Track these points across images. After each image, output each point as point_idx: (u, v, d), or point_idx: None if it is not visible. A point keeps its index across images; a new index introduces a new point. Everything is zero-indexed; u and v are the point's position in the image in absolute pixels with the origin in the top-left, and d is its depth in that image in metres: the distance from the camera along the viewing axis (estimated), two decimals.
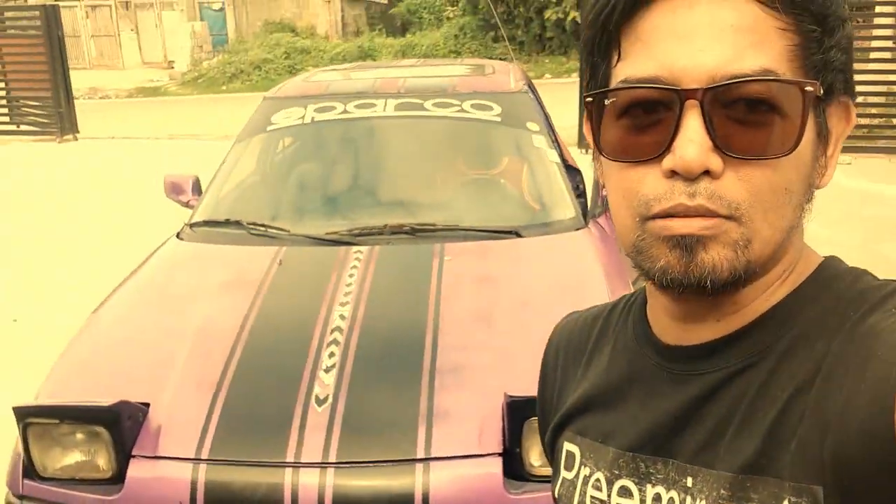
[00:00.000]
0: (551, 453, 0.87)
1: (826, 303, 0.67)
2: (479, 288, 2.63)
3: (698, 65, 0.63)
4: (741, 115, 0.63)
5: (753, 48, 0.62)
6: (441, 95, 3.49)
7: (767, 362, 0.67)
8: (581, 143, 8.59)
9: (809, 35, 0.64)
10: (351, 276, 2.65)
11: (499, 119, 3.41)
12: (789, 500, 0.61)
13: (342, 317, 2.43)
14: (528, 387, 2.14)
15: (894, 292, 0.65)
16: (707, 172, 0.63)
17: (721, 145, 0.63)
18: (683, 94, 0.63)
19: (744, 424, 0.66)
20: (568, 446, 0.82)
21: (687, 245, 0.64)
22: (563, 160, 3.40)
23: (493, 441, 2.06)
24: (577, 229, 3.03)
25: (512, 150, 3.59)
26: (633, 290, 2.90)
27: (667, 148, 0.64)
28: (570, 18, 18.04)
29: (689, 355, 0.72)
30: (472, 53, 19.00)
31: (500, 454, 2.05)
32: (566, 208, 3.15)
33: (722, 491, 0.65)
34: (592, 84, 0.71)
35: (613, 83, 0.68)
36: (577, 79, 9.50)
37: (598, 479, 0.77)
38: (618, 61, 0.68)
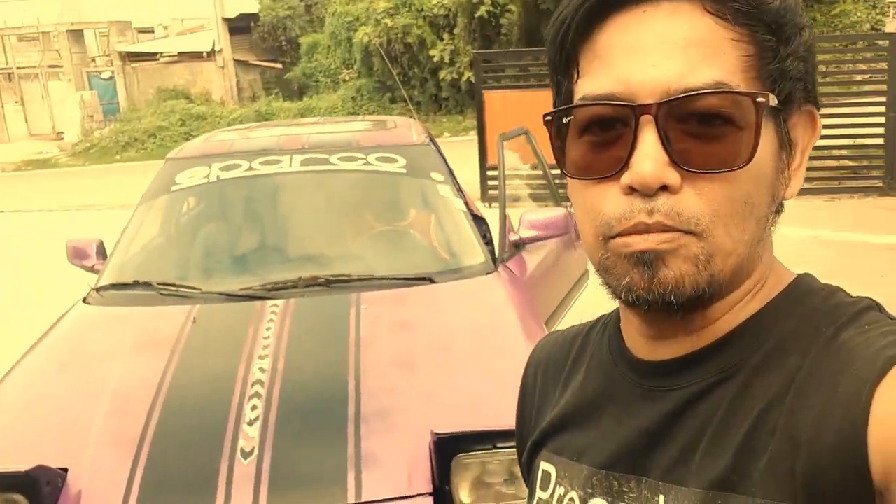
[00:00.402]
0: (527, 473, 0.86)
1: (799, 318, 0.67)
2: (398, 333, 2.67)
3: (652, 80, 0.63)
4: (696, 128, 0.63)
5: (706, 61, 0.63)
6: (346, 150, 3.55)
7: (740, 376, 0.67)
8: (483, 196, 8.79)
9: (764, 45, 0.64)
10: (268, 329, 2.64)
11: (404, 170, 3.50)
12: None
13: (262, 370, 2.42)
14: (454, 424, 2.22)
15: (868, 308, 0.66)
16: (665, 188, 0.63)
17: (677, 160, 0.63)
18: (638, 110, 0.63)
19: (715, 440, 0.66)
20: (544, 466, 0.81)
21: (647, 261, 0.64)
22: (469, 209, 3.51)
23: (423, 481, 2.08)
24: (488, 273, 3.11)
25: (419, 199, 3.67)
26: (546, 330, 3.02)
27: (625, 164, 0.64)
28: (464, 79, 18.54)
29: (661, 371, 0.72)
30: (371, 114, 19.26)
31: (430, 493, 2.06)
32: (476, 254, 3.24)
33: None
34: (558, 102, 0.72)
35: (575, 100, 0.68)
36: (475, 136, 9.76)
37: (571, 499, 0.76)
38: (577, 79, 0.68)
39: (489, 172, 9.14)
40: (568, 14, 0.68)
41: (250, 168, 3.47)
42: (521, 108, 8.43)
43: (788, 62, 0.65)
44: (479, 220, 3.53)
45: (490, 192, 8.84)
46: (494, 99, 9.37)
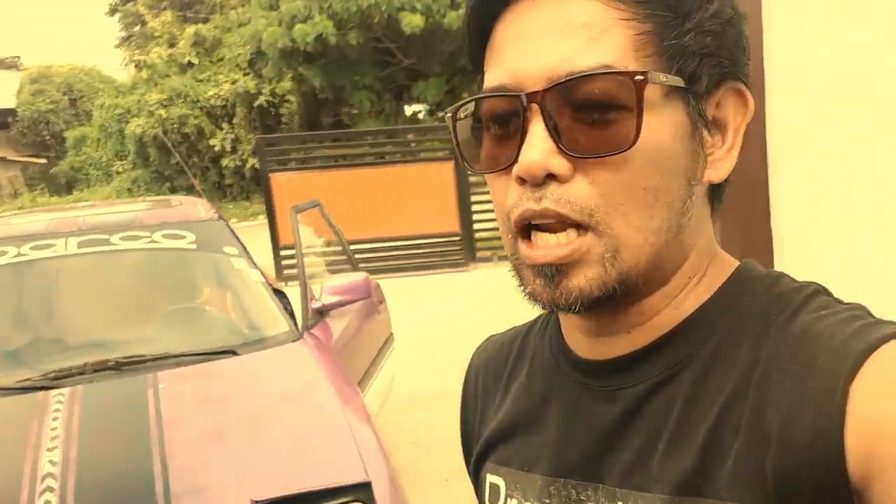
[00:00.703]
0: (476, 487, 0.81)
1: (745, 308, 0.65)
2: (204, 408, 2.54)
3: (537, 67, 0.61)
4: (581, 114, 0.61)
5: (592, 44, 0.61)
6: (128, 229, 3.39)
7: (691, 372, 0.64)
8: (279, 276, 8.65)
9: (661, 22, 0.61)
10: (55, 419, 2.41)
11: (194, 246, 3.38)
12: None
13: (52, 462, 2.19)
14: (272, 489, 2.12)
15: (815, 293, 0.64)
16: (553, 177, 0.61)
17: (565, 147, 0.61)
18: (524, 99, 0.61)
19: (674, 441, 0.63)
20: (491, 479, 0.76)
21: (548, 274, 0.62)
22: (267, 282, 3.45)
23: None
24: (293, 341, 3.05)
25: (213, 273, 3.55)
26: (358, 391, 2.98)
27: (515, 158, 0.62)
28: (248, 165, 18.35)
29: (607, 370, 0.69)
30: None
31: None
32: (278, 323, 3.16)
33: None
34: None
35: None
36: (264, 220, 9.66)
37: None
38: (483, 75, 0.67)
39: (283, 252, 9.05)
40: (467, 13, 0.68)
41: (19, 254, 3.20)
42: (308, 188, 8.51)
43: (689, 37, 0.62)
44: (278, 293, 3.46)
45: (285, 271, 8.73)
46: (281, 181, 9.38)
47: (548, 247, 0.62)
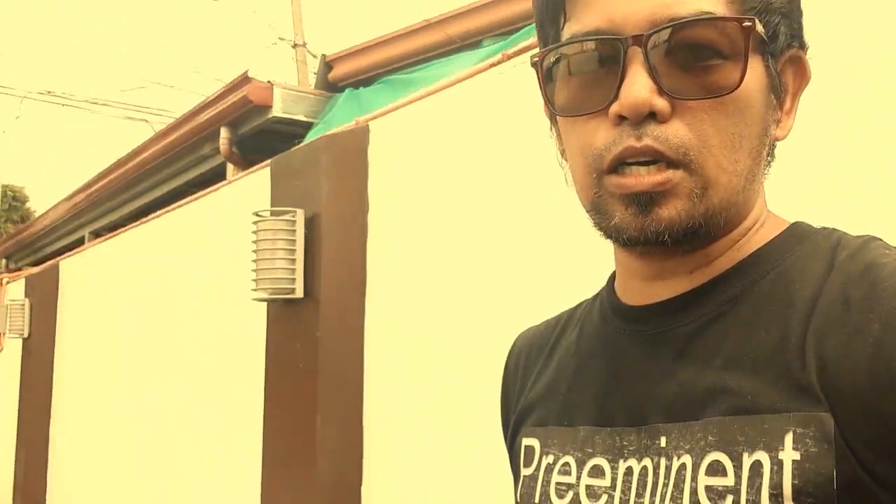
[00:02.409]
0: (512, 459, 0.82)
1: (804, 250, 0.66)
2: None
3: (637, 11, 0.63)
4: (684, 57, 0.63)
5: None
6: None
7: (746, 304, 0.65)
8: None
9: None
10: None
11: None
12: (794, 432, 0.57)
13: None
14: None
15: (872, 239, 0.65)
16: (653, 116, 0.63)
17: (666, 88, 0.62)
18: (626, 42, 0.63)
19: (726, 368, 0.63)
20: (526, 441, 0.77)
21: (641, 202, 0.63)
22: None
23: None
24: None
25: None
26: None
27: (615, 96, 0.63)
28: None
29: (659, 311, 0.70)
30: None
31: None
32: None
33: (710, 438, 0.61)
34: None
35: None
36: None
37: (566, 464, 0.72)
38: (564, 23, 0.68)
39: None
40: None
41: None
42: None
43: None
44: None
45: None
46: None
47: (640, 176, 0.63)
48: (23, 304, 5.69)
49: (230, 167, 4.43)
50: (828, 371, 0.58)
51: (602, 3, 0.65)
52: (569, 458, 0.71)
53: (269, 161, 2.92)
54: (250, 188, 3.12)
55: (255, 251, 2.61)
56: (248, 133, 4.29)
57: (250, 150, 4.37)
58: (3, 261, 9.57)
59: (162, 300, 3.80)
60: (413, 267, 2.40)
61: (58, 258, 5.91)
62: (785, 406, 0.58)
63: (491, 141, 2.19)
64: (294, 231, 2.57)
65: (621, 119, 0.63)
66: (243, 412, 2.90)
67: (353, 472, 2.45)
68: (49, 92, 9.42)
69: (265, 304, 2.74)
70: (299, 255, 2.56)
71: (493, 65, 2.24)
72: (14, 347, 6.01)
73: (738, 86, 0.62)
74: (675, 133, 0.62)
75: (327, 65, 4.38)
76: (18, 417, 5.75)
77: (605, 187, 0.65)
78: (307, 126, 4.18)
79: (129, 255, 4.35)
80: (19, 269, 8.91)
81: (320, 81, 4.45)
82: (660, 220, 0.63)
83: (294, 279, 2.55)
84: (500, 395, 0.89)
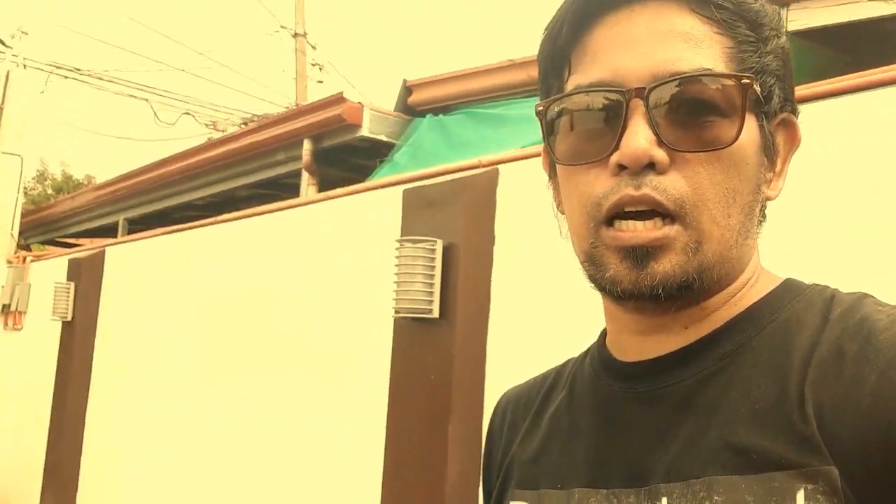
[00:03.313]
0: None
1: (799, 305, 0.67)
2: None
3: (641, 66, 0.65)
4: (684, 111, 0.64)
5: (692, 50, 0.65)
6: None
7: (743, 360, 0.65)
8: None
9: (745, 39, 0.67)
10: None
11: None
12: (805, 489, 0.57)
13: None
14: None
15: (865, 295, 0.66)
16: (652, 167, 0.64)
17: (665, 140, 0.64)
18: (629, 94, 0.65)
19: (727, 425, 0.62)
20: None
21: (637, 256, 0.64)
22: None
23: None
24: None
25: None
26: None
27: (615, 146, 0.65)
28: None
29: (656, 368, 0.69)
30: None
31: None
32: None
33: (716, 498, 0.60)
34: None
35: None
36: None
37: None
38: (569, 76, 0.70)
39: None
40: (561, 16, 0.71)
41: None
42: None
43: (769, 59, 0.68)
44: None
45: None
46: None
47: (637, 230, 0.64)
48: (68, 288, 5.82)
49: (305, 178, 4.70)
50: (826, 422, 0.58)
51: (607, 56, 0.67)
52: None
53: (373, 182, 3.20)
54: (359, 208, 3.43)
55: (397, 273, 2.91)
56: (328, 147, 4.59)
57: (324, 163, 4.67)
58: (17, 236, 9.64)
59: (241, 303, 4.00)
60: (531, 296, 2.73)
61: (100, 243, 6.05)
62: (791, 461, 0.58)
63: None
64: (433, 258, 2.88)
65: (621, 168, 0.65)
66: (364, 418, 3.19)
67: (475, 473, 2.78)
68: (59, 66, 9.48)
69: (391, 320, 3.05)
70: (437, 280, 2.88)
71: None
72: (41, 328, 6.07)
73: (735, 140, 0.65)
74: (672, 184, 0.64)
75: (407, 89, 4.69)
76: (54, 399, 5.81)
77: (602, 239, 0.66)
78: (388, 146, 4.50)
79: (192, 251, 4.48)
80: (29, 248, 8.98)
81: (399, 105, 4.75)
82: (654, 274, 0.64)
83: (431, 301, 2.87)
84: (482, 455, 0.87)
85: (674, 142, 0.64)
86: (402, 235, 3.01)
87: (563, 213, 0.74)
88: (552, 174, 0.76)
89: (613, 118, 0.65)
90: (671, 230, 0.64)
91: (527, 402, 0.83)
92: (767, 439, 0.60)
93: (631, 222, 0.65)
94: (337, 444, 3.31)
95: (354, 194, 3.46)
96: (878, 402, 0.57)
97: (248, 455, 3.77)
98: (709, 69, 0.65)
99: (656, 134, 0.64)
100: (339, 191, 3.50)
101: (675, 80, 0.64)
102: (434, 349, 2.89)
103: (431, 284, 2.88)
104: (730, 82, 0.65)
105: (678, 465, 0.63)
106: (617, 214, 0.65)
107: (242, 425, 3.83)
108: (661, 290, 0.64)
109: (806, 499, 0.57)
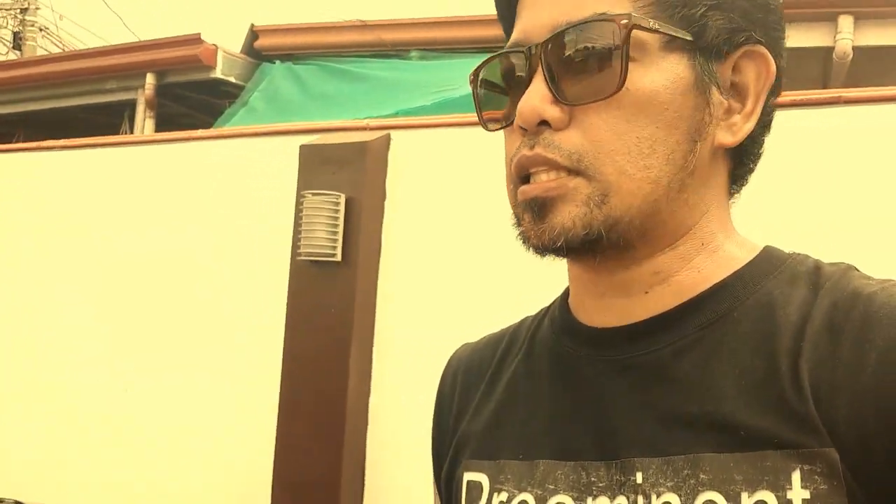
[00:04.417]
0: (448, 492, 0.77)
1: (783, 275, 0.64)
2: None
3: (541, 22, 0.64)
4: (575, 63, 0.62)
5: None
6: None
7: (726, 330, 0.62)
8: None
9: None
10: None
11: None
12: (801, 469, 0.55)
13: None
14: None
15: (850, 268, 0.64)
16: (547, 124, 0.62)
17: (558, 95, 0.62)
18: (528, 51, 0.63)
19: (712, 399, 0.60)
20: (469, 476, 0.72)
21: (535, 207, 0.63)
22: None
23: None
24: None
25: None
26: None
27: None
28: None
29: (623, 336, 0.66)
30: None
31: None
32: None
33: (702, 476, 0.58)
34: None
35: None
36: None
37: (523, 501, 0.66)
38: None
39: None
40: None
41: None
42: None
43: None
44: None
45: None
46: None
47: (539, 182, 0.63)
48: None
49: (141, 111, 4.74)
50: (823, 402, 0.56)
51: (523, 16, 0.67)
52: (527, 496, 0.66)
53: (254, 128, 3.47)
54: (246, 152, 3.72)
55: (303, 221, 3.33)
56: (172, 83, 4.67)
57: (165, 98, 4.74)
58: None
59: (133, 234, 3.94)
60: (414, 245, 3.33)
61: None
62: (785, 440, 0.56)
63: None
64: (338, 210, 3.34)
65: (523, 130, 0.64)
66: (260, 353, 3.55)
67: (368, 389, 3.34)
68: None
69: (287, 263, 3.46)
70: (340, 228, 3.34)
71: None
72: None
73: (619, 87, 0.61)
74: (566, 140, 0.62)
75: (254, 33, 4.86)
76: None
77: (517, 197, 0.66)
78: (237, 87, 4.68)
79: (71, 173, 4.10)
80: None
81: (245, 48, 4.92)
82: (553, 226, 0.62)
83: (335, 246, 3.33)
84: (433, 420, 0.83)
85: (568, 96, 0.62)
86: (301, 187, 3.41)
87: None
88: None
89: (522, 79, 0.65)
90: (570, 181, 0.62)
91: (479, 365, 0.79)
92: (757, 416, 0.58)
93: (538, 175, 0.64)
94: (234, 379, 3.63)
95: (240, 137, 3.73)
96: (879, 385, 0.55)
97: (136, 391, 3.86)
98: (602, 13, 0.62)
99: (550, 89, 0.63)
100: (225, 130, 3.73)
101: (561, 30, 0.62)
102: (337, 287, 3.37)
103: (335, 232, 3.33)
104: (612, 24, 0.61)
105: (655, 439, 0.61)
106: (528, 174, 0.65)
107: (129, 366, 3.87)
108: (561, 242, 0.62)
109: (803, 479, 0.55)
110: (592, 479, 0.64)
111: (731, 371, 0.61)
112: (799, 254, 0.67)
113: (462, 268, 3.23)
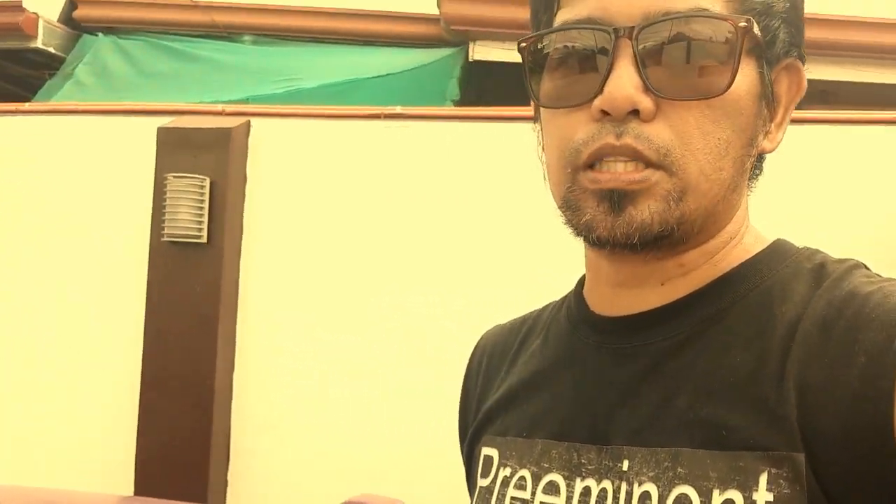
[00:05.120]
0: (470, 466, 0.80)
1: (785, 271, 0.64)
2: None
3: (632, 3, 0.61)
4: (674, 55, 0.60)
5: None
6: None
7: (722, 327, 0.63)
8: None
9: None
10: None
11: None
12: (769, 472, 0.56)
13: None
14: None
15: (858, 265, 0.64)
16: (636, 113, 0.60)
17: (652, 86, 0.60)
18: (615, 33, 0.60)
19: (699, 395, 0.61)
20: (485, 451, 0.75)
21: (614, 199, 0.61)
22: None
23: None
24: None
25: None
26: None
27: (599, 90, 0.61)
28: None
29: (630, 326, 0.67)
30: None
31: None
32: None
33: (679, 470, 0.59)
34: None
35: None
36: None
37: (522, 477, 0.69)
38: (557, 9, 0.66)
39: None
40: None
41: None
42: None
43: None
44: None
45: None
46: None
47: (617, 173, 0.61)
48: None
49: None
50: (807, 404, 0.56)
51: None
52: (525, 472, 0.69)
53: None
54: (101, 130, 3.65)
55: (166, 203, 3.38)
56: None
57: None
58: None
59: None
60: (273, 227, 3.53)
61: None
62: (759, 443, 0.57)
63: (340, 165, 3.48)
64: (203, 193, 3.43)
65: (604, 114, 0.61)
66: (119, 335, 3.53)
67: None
68: None
69: (146, 244, 3.50)
70: (206, 211, 3.44)
71: (376, 116, 3.52)
72: None
73: (728, 88, 0.61)
74: (657, 133, 0.61)
75: (72, 3, 4.63)
76: None
77: (579, 182, 0.63)
78: (57, 58, 4.45)
79: None
80: None
81: (63, 17, 4.67)
82: (631, 220, 0.61)
83: (201, 228, 3.43)
84: (460, 397, 0.86)
85: (662, 88, 0.60)
86: (160, 170, 3.46)
87: (544, 155, 0.70)
88: (536, 116, 0.72)
89: (599, 60, 0.62)
90: (654, 175, 0.61)
91: (504, 346, 0.82)
92: (738, 415, 0.58)
93: (611, 163, 0.62)
94: (92, 357, 3.59)
95: (86, 114, 3.65)
96: (864, 389, 0.55)
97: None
98: (705, 9, 0.61)
99: (643, 78, 0.60)
100: (64, 105, 3.63)
101: (666, 19, 0.60)
102: (202, 268, 3.47)
103: (201, 215, 3.44)
104: (726, 24, 0.60)
105: (644, 430, 0.62)
106: (598, 160, 0.63)
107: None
108: (636, 238, 0.61)
109: (768, 482, 0.56)
110: (583, 460, 0.66)
111: (722, 368, 0.62)
112: (808, 248, 0.68)
113: (320, 250, 3.50)
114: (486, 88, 4.54)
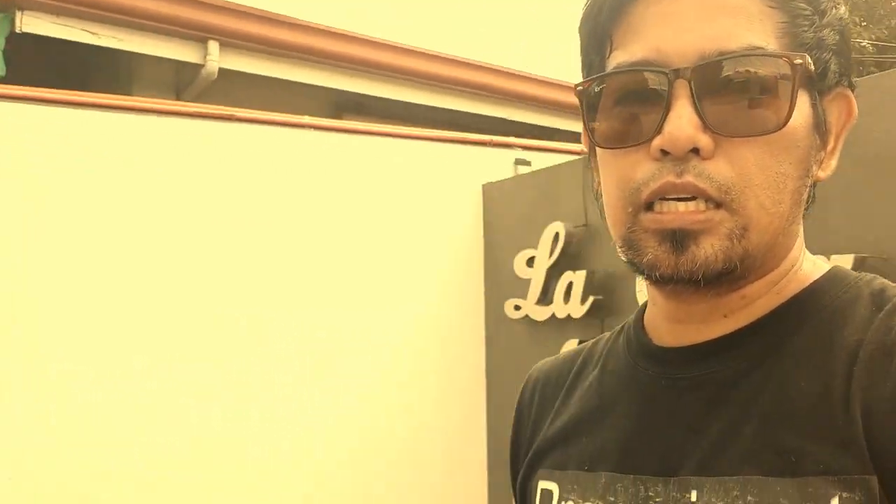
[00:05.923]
0: (522, 500, 0.80)
1: (845, 296, 0.65)
2: None
3: (686, 44, 0.62)
4: (731, 93, 0.62)
5: (741, 27, 0.62)
6: None
7: (786, 353, 0.64)
8: None
9: (800, 13, 0.64)
10: None
11: None
12: (840, 497, 0.56)
13: None
14: None
15: None
16: (696, 152, 0.62)
17: (710, 124, 0.62)
18: (672, 74, 0.62)
19: (766, 422, 0.61)
20: (543, 485, 0.75)
21: (677, 238, 0.62)
22: None
23: None
24: None
25: None
26: None
27: (657, 130, 0.62)
28: None
29: (695, 355, 0.68)
30: None
31: None
32: None
33: (749, 498, 0.59)
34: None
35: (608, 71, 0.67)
36: None
37: None
38: (610, 52, 0.67)
39: None
40: None
41: None
42: None
43: (825, 32, 0.65)
44: None
45: None
46: None
47: (678, 213, 0.62)
48: None
49: None
50: (873, 426, 0.57)
51: (650, 34, 0.65)
52: None
53: None
54: None
55: None
56: None
57: None
58: None
59: None
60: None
61: None
62: (829, 467, 0.57)
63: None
64: None
65: (663, 154, 0.63)
66: None
67: None
68: None
69: None
70: None
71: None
72: None
73: (785, 124, 0.62)
74: (717, 170, 0.62)
75: None
76: None
77: (640, 222, 0.64)
78: None
79: None
80: None
81: None
82: (695, 258, 0.62)
83: None
84: (511, 432, 0.86)
85: (719, 126, 0.62)
86: None
87: (601, 194, 0.71)
88: (591, 155, 0.73)
89: (656, 100, 0.64)
90: (716, 214, 0.62)
91: (557, 379, 0.82)
92: (807, 441, 0.59)
93: (672, 203, 0.63)
94: None
95: None
96: None
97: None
98: (759, 47, 0.63)
99: (701, 117, 0.62)
100: None
101: (721, 59, 0.62)
102: None
103: None
104: (781, 62, 0.62)
105: (711, 459, 0.63)
106: (658, 199, 0.64)
107: None
108: (700, 275, 0.62)
109: None
110: (650, 493, 0.66)
111: (787, 395, 0.62)
112: (867, 274, 0.69)
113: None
114: (38, 66, 4.10)
